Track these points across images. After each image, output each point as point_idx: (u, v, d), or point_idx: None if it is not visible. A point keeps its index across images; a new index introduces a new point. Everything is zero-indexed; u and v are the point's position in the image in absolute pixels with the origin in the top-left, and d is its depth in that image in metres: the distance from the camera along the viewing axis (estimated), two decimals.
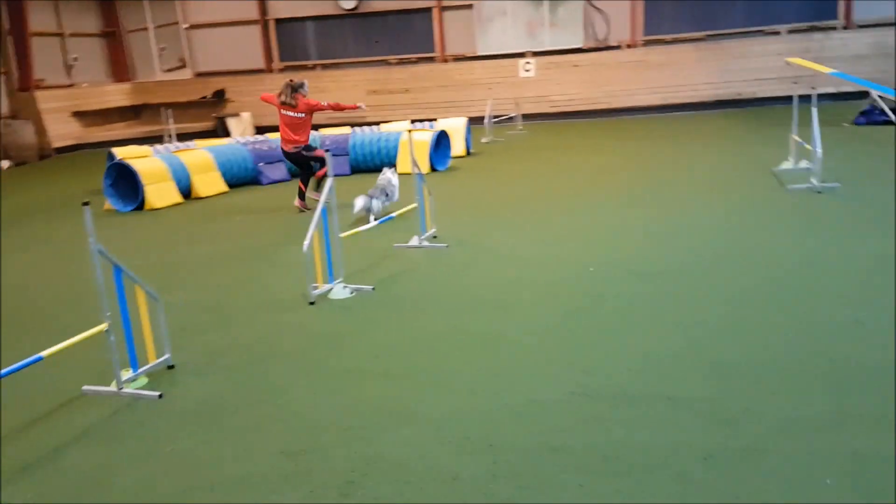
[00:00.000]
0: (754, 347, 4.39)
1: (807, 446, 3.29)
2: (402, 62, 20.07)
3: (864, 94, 13.62)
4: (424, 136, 11.59)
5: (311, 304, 5.72)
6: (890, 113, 13.00)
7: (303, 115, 9.04)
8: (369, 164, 11.96)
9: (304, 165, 9.38)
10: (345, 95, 19.58)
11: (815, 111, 8.48)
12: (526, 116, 17.58)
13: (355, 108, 9.44)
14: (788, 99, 10.01)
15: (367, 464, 3.41)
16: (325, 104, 9.09)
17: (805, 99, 9.11)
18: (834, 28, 17.76)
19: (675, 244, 6.75)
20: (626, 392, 3.93)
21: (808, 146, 8.73)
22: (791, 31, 17.85)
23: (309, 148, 9.30)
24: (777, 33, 17.97)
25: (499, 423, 3.70)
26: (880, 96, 13.21)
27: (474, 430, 3.65)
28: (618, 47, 18.93)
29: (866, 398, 3.68)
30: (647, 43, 18.79)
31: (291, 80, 9.12)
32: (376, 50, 20.23)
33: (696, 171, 10.45)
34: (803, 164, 9.45)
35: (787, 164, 9.77)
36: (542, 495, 3.07)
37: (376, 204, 8.07)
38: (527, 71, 19.15)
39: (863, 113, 13.42)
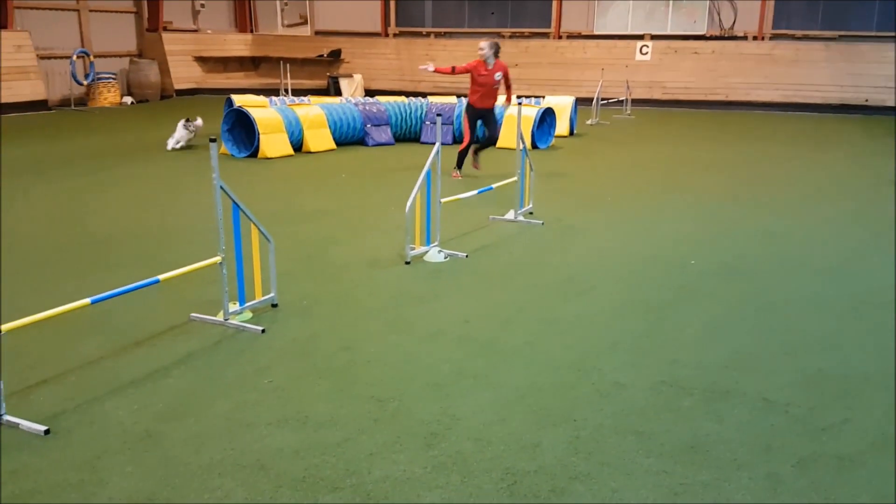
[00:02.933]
0: (853, 358, 4.25)
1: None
2: (514, 35, 19.95)
3: None
4: (529, 112, 11.54)
5: (407, 263, 5.86)
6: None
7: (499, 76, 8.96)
8: (477, 135, 11.98)
9: (489, 125, 9.23)
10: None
11: None
12: (636, 101, 17.24)
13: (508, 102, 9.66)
14: None
15: (451, 420, 3.51)
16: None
17: None
18: None
19: (776, 246, 6.55)
20: (717, 387, 3.89)
21: None
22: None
23: (467, 107, 9.29)
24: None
25: (582, 401, 3.73)
26: None
27: (556, 404, 3.69)
28: (744, 38, 18.23)
29: None
30: (775, 37, 18.02)
31: (495, 41, 9.05)
32: (491, 21, 20.17)
33: (810, 176, 10.04)
34: None
35: None
36: (623, 475, 3.10)
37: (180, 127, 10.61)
38: (643, 54, 18.69)
39: None
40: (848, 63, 17.26)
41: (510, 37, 19.92)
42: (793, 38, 17.86)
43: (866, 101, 17.05)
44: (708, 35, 18.41)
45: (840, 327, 4.74)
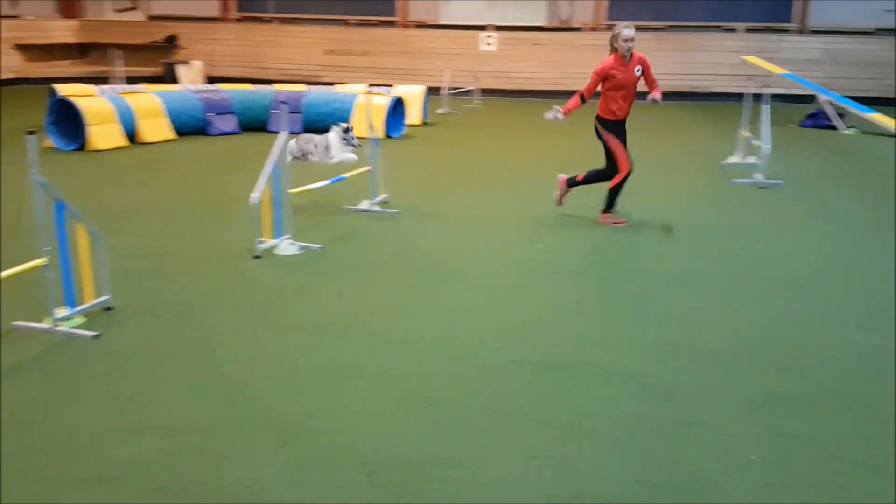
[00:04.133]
0: (696, 329, 4.51)
1: (737, 423, 3.41)
2: (362, 24, 19.75)
3: (811, 98, 13.98)
4: (382, 101, 11.46)
5: (257, 257, 5.63)
6: (835, 118, 13.39)
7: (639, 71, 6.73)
8: (323, 124, 11.76)
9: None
10: (301, 53, 19.25)
11: (766, 109, 8.71)
12: (485, 91, 17.54)
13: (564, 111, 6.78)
14: (741, 96, 10.20)
15: (309, 415, 3.40)
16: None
17: (757, 97, 9.31)
18: (789, 31, 18.16)
19: (621, 228, 6.86)
20: (571, 362, 4.00)
21: (755, 143, 8.95)
22: (748, 30, 18.17)
23: (604, 123, 6.75)
24: (734, 31, 18.28)
25: (442, 385, 3.73)
26: (828, 102, 13.59)
27: (417, 389, 3.67)
28: (580, 29, 19.00)
29: (796, 382, 3.83)
30: (610, 27, 18.90)
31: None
32: (336, 9, 19.85)
33: (647, 159, 10.59)
34: (750, 159, 9.67)
35: (735, 159, 9.99)
36: (485, 456, 3.12)
37: (292, 144, 7.30)
38: (488, 45, 19.08)
39: (810, 116, 13.79)
40: (676, 52, 18.41)
41: (357, 24, 19.70)
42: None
43: (694, 87, 18.27)
44: (547, 26, 19.05)
45: (681, 300, 5.03)
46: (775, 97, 16.94)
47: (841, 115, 13.42)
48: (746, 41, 17.82)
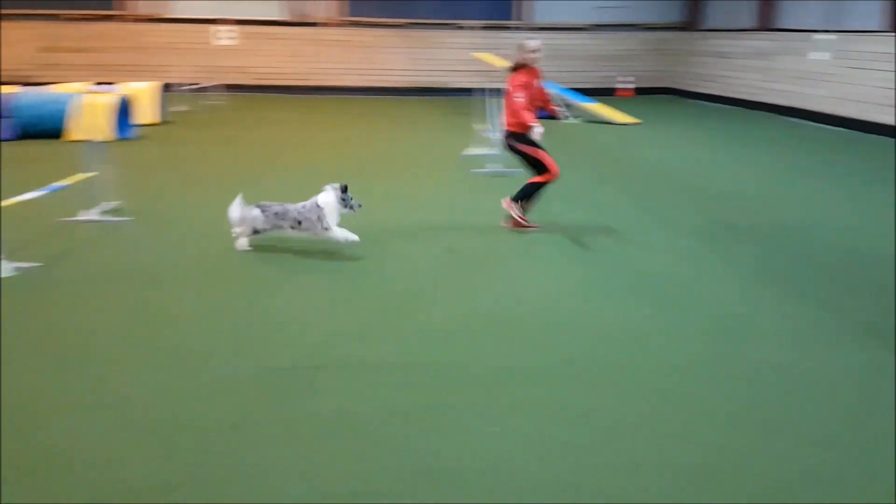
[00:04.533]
0: (442, 315, 4.69)
1: (477, 400, 3.59)
2: (76, 18, 18.05)
3: None
4: (106, 99, 10.57)
5: None
6: (561, 108, 14.58)
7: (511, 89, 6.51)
8: (38, 128, 10.61)
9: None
10: (10, 52, 17.16)
11: (492, 103, 9.27)
12: (230, 87, 16.91)
13: (527, 126, 6.31)
14: (476, 90, 10.73)
15: (34, 454, 3.04)
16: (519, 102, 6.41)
17: (486, 91, 9.87)
18: (515, 27, 19.50)
19: (360, 221, 6.96)
20: (316, 362, 3.96)
21: (489, 135, 9.51)
22: (480, 28, 19.23)
23: (517, 137, 6.50)
24: (464, 28, 19.26)
25: (179, 402, 3.51)
26: (553, 94, 14.78)
27: (155, 411, 3.42)
28: (322, 25, 18.94)
29: (527, 353, 4.12)
30: (352, 24, 19.04)
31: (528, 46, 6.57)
32: (45, 3, 17.94)
33: (395, 153, 10.88)
34: (486, 150, 10.25)
35: (473, 150, 10.53)
36: (221, 470, 2.98)
37: (257, 217, 5.76)
38: (228, 39, 18.37)
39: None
40: (415, 49, 19.04)
41: (69, 20, 17.96)
42: (367, 24, 19.07)
43: (434, 83, 19.00)
44: (287, 21, 18.77)
45: (420, 282, 5.19)
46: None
47: (567, 106, 14.68)
48: (478, 38, 18.87)
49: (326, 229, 5.71)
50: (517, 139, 6.49)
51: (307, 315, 4.64)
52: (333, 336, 4.32)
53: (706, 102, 17.97)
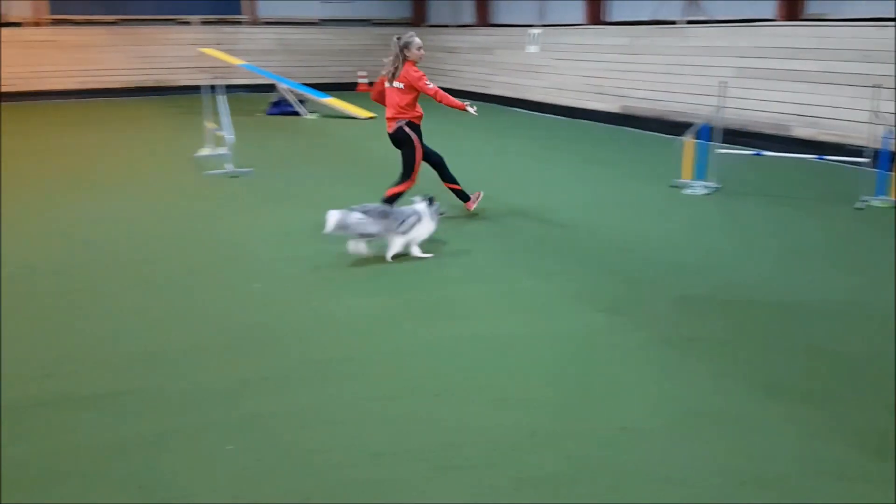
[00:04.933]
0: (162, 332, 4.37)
1: (210, 418, 3.38)
2: None
3: (274, 87, 14.83)
4: None
5: None
6: (297, 104, 14.43)
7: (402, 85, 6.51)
8: None
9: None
10: None
11: (223, 100, 8.89)
12: None
13: (463, 108, 6.60)
14: (205, 88, 10.23)
15: None
16: (432, 88, 6.49)
17: (214, 89, 9.44)
18: (242, 22, 18.92)
19: (83, 235, 6.33)
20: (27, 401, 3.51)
21: (220, 133, 9.10)
22: (203, 23, 18.40)
23: (416, 128, 6.60)
24: (189, 23, 18.33)
25: None
26: (287, 89, 14.56)
27: None
28: (19, 24, 16.98)
29: (271, 363, 3.97)
30: (56, 22, 17.28)
31: (400, 38, 6.56)
32: None
33: (121, 159, 10.04)
34: (220, 150, 9.82)
35: (206, 151, 10.04)
36: None
37: (357, 220, 5.46)
38: None
39: (274, 104, 14.62)
40: (133, 47, 17.74)
41: None
42: (74, 23, 17.42)
43: (158, 82, 17.85)
44: None
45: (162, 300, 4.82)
46: (241, 87, 17.64)
47: (302, 102, 14.53)
48: (203, 34, 18.06)
49: (410, 239, 5.69)
50: (413, 129, 6.60)
51: (17, 349, 4.09)
52: (42, 371, 3.85)
53: None
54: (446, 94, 6.55)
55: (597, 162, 9.88)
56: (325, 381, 3.75)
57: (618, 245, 6.07)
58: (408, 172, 6.62)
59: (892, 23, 9.15)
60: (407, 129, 6.57)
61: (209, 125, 9.84)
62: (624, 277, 5.30)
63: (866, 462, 3.03)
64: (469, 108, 6.64)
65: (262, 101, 15.22)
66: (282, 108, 14.55)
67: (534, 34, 15.63)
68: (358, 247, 5.61)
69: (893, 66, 8.81)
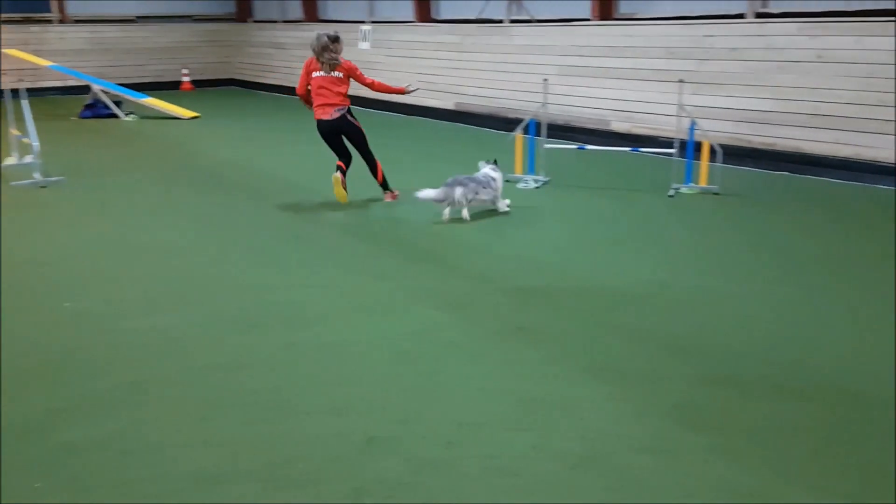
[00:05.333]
0: None
1: (19, 448, 3.08)
2: None
3: (88, 89, 13.82)
4: None
5: None
6: (113, 106, 13.52)
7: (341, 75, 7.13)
8: None
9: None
10: None
11: (25, 104, 8.17)
12: None
13: (403, 91, 7.37)
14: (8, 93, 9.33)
15: None
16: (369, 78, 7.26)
17: (15, 93, 8.65)
18: (51, 21, 17.52)
19: None
20: None
21: (26, 140, 8.36)
22: (6, 22, 16.84)
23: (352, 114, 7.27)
24: None
25: None
26: (102, 90, 13.62)
27: None
28: None
29: (84, 388, 3.66)
30: None
31: (328, 36, 7.08)
32: None
33: None
34: (28, 159, 9.01)
35: (12, 161, 9.17)
36: None
37: (461, 192, 6.50)
38: None
39: (87, 106, 13.60)
40: None
41: None
42: None
43: None
44: None
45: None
46: (54, 90, 16.33)
47: (118, 103, 13.64)
48: (8, 34, 16.53)
49: (497, 197, 6.81)
50: (353, 115, 7.19)
51: None
52: None
53: (268, 93, 18.24)
54: (382, 82, 7.27)
55: (434, 158, 9.99)
56: (143, 404, 3.52)
57: (454, 241, 6.16)
58: (368, 155, 7.32)
59: (694, 21, 9.92)
60: (350, 117, 7.12)
61: (13, 132, 9.00)
62: (461, 273, 5.38)
63: (683, 434, 3.24)
64: (409, 89, 7.36)
65: (76, 103, 14.14)
66: (97, 110, 13.57)
67: (365, 31, 15.56)
68: (464, 213, 6.62)
69: (697, 61, 9.55)
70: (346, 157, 7.29)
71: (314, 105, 7.11)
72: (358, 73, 7.11)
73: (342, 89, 7.07)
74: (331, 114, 7.03)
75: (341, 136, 7.19)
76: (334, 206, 7.28)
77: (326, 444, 3.16)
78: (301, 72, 7.19)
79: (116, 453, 3.10)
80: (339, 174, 7.15)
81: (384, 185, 7.43)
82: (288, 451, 3.11)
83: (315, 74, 7.05)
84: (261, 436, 3.23)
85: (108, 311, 4.65)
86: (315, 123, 7.19)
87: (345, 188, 7.18)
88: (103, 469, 2.99)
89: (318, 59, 7.02)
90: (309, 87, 7.14)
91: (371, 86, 7.17)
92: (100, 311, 4.67)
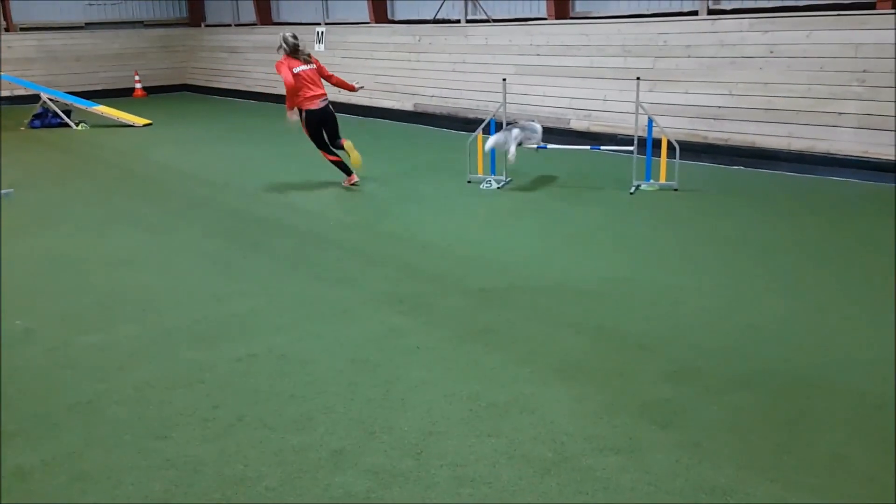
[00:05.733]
0: None
1: None
2: None
3: (37, 98, 13.44)
4: None
5: None
6: (62, 115, 13.18)
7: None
8: None
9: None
10: None
11: None
12: None
13: (353, 88, 8.36)
14: None
15: None
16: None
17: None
18: None
19: None
20: None
21: None
22: None
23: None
24: None
25: None
26: (50, 99, 13.27)
27: None
28: None
29: (35, 408, 3.52)
30: None
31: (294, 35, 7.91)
32: None
33: None
34: None
35: None
36: None
37: (517, 132, 7.83)
38: None
39: (36, 116, 13.23)
40: None
41: None
42: None
43: None
44: None
45: None
46: (3, 100, 15.86)
47: (68, 112, 13.29)
48: None
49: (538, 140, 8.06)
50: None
51: None
52: None
53: (221, 97, 17.96)
54: (340, 78, 8.27)
55: (394, 160, 9.90)
56: (96, 424, 3.38)
57: (418, 243, 6.09)
58: (339, 140, 7.99)
59: (649, 18, 9.99)
60: (330, 105, 7.94)
61: None
62: (424, 276, 5.32)
63: (651, 432, 3.22)
64: (357, 86, 8.34)
65: (25, 113, 13.74)
66: (46, 120, 13.21)
67: (319, 32, 15.41)
68: (511, 151, 7.72)
69: (653, 59, 9.62)
70: (325, 147, 8.02)
71: (304, 97, 7.70)
72: (322, 67, 7.97)
73: (320, 81, 7.87)
74: (319, 104, 7.76)
75: (327, 123, 7.89)
76: (290, 211, 7.16)
77: (290, 460, 3.07)
78: (282, 72, 7.69)
79: (69, 478, 2.97)
80: (351, 177, 8.09)
81: (347, 169, 8.09)
82: (250, 469, 3.01)
83: (298, 69, 7.69)
84: (221, 453, 3.12)
85: (58, 328, 4.49)
86: (304, 114, 7.78)
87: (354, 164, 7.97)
88: (55, 494, 2.87)
89: (294, 55, 7.74)
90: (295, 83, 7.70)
91: (330, 79, 8.03)
92: (49, 327, 4.50)
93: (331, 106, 7.89)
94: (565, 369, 3.82)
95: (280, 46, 7.78)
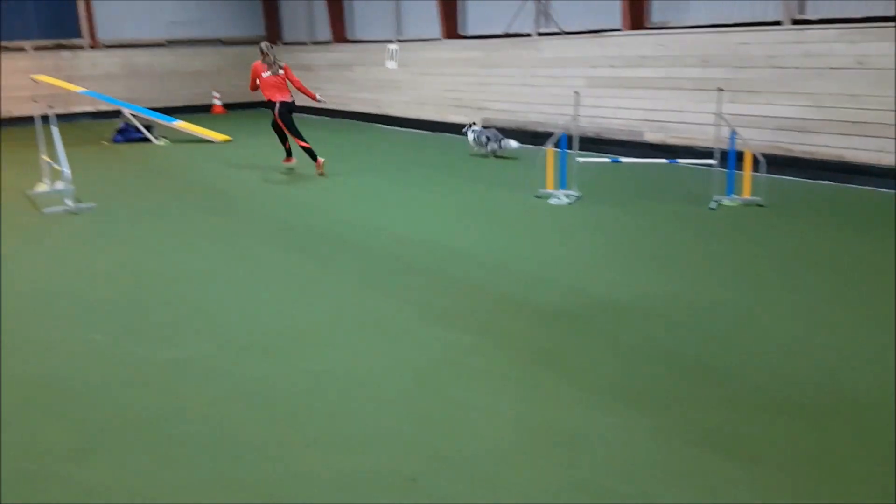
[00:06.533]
0: None
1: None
2: None
3: (118, 113, 13.95)
4: None
5: None
6: (144, 130, 13.61)
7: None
8: None
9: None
10: None
11: (55, 130, 8.17)
12: None
13: (315, 98, 10.06)
14: (39, 118, 9.39)
15: None
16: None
17: (45, 119, 8.68)
18: (82, 48, 17.77)
19: None
20: None
21: (57, 167, 8.36)
22: (37, 49, 17.13)
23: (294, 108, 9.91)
24: (23, 49, 17.03)
25: None
26: (132, 114, 13.73)
27: None
28: None
29: (104, 425, 3.55)
30: None
31: (272, 45, 9.79)
32: None
33: None
34: (59, 185, 9.04)
35: (44, 187, 9.22)
36: None
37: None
38: None
39: (119, 131, 13.71)
40: None
41: None
42: None
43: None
44: None
45: None
46: (86, 115, 16.54)
47: (149, 127, 13.72)
48: (39, 60, 16.82)
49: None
50: (294, 109, 9.72)
51: None
52: None
53: (298, 114, 18.22)
54: (305, 87, 9.84)
55: (461, 175, 9.83)
56: (165, 443, 3.38)
57: (484, 261, 5.96)
58: (297, 132, 9.74)
59: (731, 28, 9.65)
60: (294, 104, 9.66)
61: (45, 158, 9.04)
62: (490, 294, 5.18)
63: (720, 462, 3.01)
64: (318, 96, 10.02)
65: (108, 128, 14.27)
66: (129, 135, 13.68)
67: (392, 49, 15.52)
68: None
69: (733, 69, 9.29)
70: (285, 139, 9.89)
71: (268, 98, 9.59)
72: (292, 74, 9.68)
73: (286, 85, 9.58)
74: (285, 98, 9.56)
75: (290, 115, 9.57)
76: (359, 230, 7.14)
77: (368, 483, 2.99)
78: (251, 74, 9.59)
79: (141, 498, 2.96)
80: (293, 159, 10.07)
81: (313, 155, 9.82)
82: (288, 488, 2.94)
83: (266, 75, 9.51)
84: (294, 476, 3.06)
85: (130, 342, 4.54)
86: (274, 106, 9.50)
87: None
88: None
89: (265, 62, 9.51)
90: (259, 83, 9.60)
91: (296, 83, 9.65)
92: (123, 341, 4.56)
93: (288, 107, 9.60)
94: (633, 396, 3.63)
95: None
